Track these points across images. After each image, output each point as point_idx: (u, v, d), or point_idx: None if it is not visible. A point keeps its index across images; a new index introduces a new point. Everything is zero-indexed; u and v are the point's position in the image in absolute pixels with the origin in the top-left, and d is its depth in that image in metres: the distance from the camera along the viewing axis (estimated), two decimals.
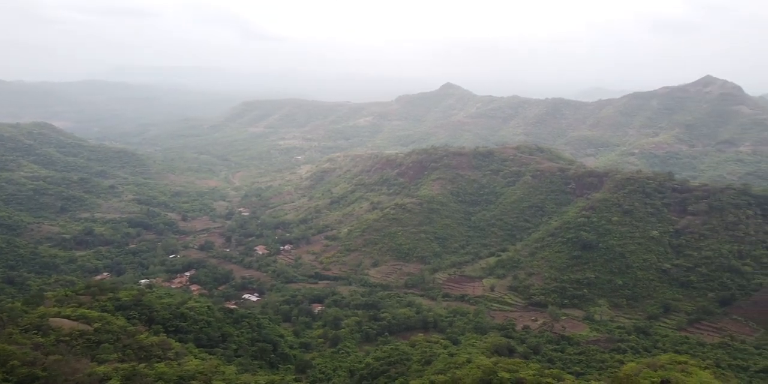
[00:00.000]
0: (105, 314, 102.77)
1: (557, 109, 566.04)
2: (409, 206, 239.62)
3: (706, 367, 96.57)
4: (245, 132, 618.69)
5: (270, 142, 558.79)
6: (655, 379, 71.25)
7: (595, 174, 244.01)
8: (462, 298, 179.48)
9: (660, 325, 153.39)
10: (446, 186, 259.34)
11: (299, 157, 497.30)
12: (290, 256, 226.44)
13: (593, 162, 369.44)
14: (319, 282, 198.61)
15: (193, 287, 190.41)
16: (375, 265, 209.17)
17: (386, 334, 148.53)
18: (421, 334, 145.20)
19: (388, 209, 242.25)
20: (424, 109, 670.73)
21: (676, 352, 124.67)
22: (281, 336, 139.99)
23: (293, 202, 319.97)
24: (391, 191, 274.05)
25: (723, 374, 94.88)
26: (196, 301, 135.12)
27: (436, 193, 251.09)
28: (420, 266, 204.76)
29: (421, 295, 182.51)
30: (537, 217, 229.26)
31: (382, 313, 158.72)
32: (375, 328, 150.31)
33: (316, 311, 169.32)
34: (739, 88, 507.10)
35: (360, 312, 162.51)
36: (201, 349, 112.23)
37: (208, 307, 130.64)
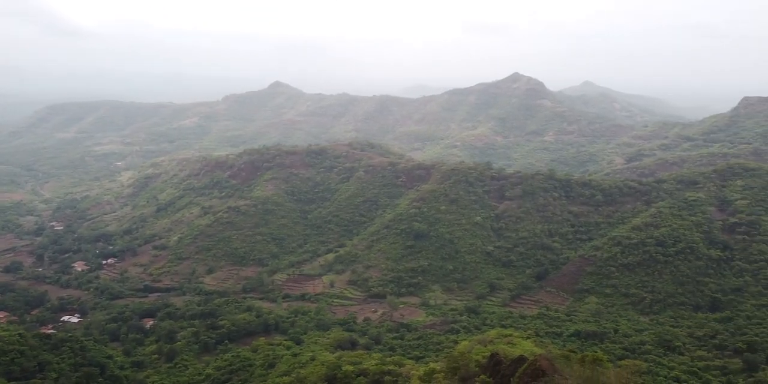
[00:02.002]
0: None
1: (385, 105, 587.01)
2: (243, 208, 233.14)
3: (528, 337, 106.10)
4: (53, 138, 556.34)
5: (84, 149, 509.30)
6: (485, 354, 75.96)
7: (423, 167, 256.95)
8: (303, 297, 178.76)
9: (487, 304, 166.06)
10: (280, 185, 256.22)
11: (119, 164, 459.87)
12: (115, 271, 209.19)
13: (421, 155, 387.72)
14: (150, 295, 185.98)
15: None
16: (210, 272, 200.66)
17: (226, 342, 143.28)
18: (263, 338, 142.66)
19: (220, 213, 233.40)
20: (254, 109, 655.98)
21: (503, 326, 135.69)
22: (109, 357, 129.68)
23: (115, 212, 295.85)
24: (223, 194, 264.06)
25: (542, 342, 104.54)
26: (4, 330, 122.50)
27: (271, 194, 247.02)
28: (258, 269, 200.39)
29: (261, 298, 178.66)
30: (372, 211, 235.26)
31: (221, 320, 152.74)
32: (214, 337, 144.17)
33: (147, 326, 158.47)
34: (542, 84, 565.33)
35: (197, 322, 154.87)
36: (14, 382, 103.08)
37: (20, 334, 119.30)
